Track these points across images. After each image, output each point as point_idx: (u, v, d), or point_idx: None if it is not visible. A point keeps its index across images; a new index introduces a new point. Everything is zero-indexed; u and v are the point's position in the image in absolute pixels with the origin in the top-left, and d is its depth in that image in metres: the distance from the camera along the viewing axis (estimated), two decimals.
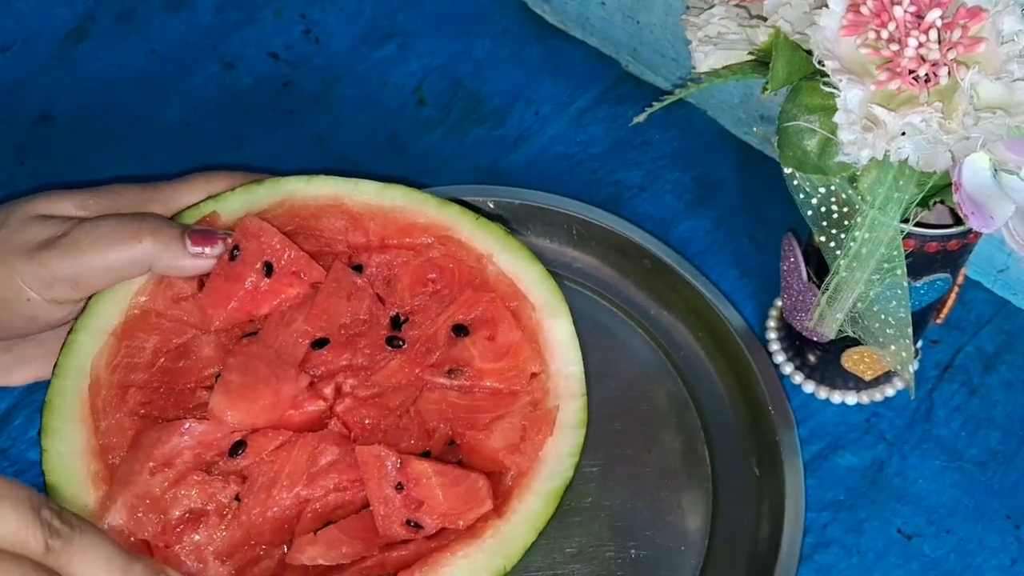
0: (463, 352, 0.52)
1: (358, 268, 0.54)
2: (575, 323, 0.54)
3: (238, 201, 0.54)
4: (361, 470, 0.48)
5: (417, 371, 0.52)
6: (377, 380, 0.51)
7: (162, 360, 0.51)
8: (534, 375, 0.53)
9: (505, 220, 0.62)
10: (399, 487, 0.48)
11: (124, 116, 0.71)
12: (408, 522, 0.48)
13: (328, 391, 0.51)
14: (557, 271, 0.60)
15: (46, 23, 0.75)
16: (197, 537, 0.47)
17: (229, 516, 0.48)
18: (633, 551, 0.54)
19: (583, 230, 0.62)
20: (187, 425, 0.48)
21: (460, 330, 0.53)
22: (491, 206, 0.62)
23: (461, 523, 0.48)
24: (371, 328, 0.53)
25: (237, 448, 0.48)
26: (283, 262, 0.52)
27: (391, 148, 0.69)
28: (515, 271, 0.55)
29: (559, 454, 0.51)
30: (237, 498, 0.48)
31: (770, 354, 0.59)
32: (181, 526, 0.47)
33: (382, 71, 0.73)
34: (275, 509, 0.48)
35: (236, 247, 0.52)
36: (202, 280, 0.52)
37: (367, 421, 0.51)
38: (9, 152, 0.69)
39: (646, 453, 0.57)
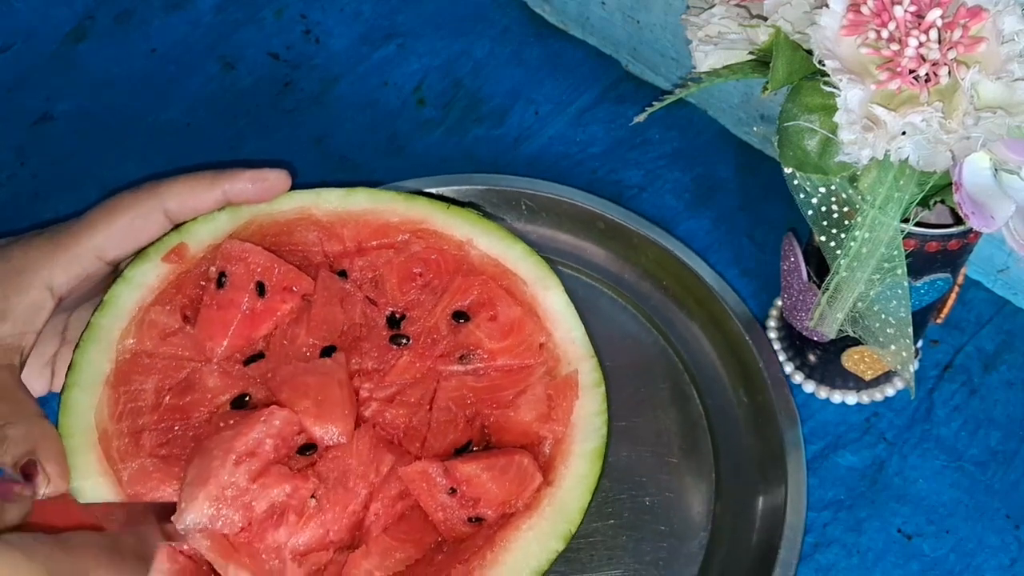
0: (470, 337, 0.52)
1: (342, 274, 0.54)
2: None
3: (203, 229, 0.53)
4: (410, 489, 0.48)
5: (428, 363, 0.52)
6: (391, 380, 0.51)
7: (167, 398, 0.50)
8: (541, 345, 0.53)
9: (476, 205, 0.62)
10: (452, 492, 0.48)
11: (124, 116, 0.71)
12: (470, 519, 0.48)
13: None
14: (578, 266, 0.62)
15: (46, 23, 0.75)
16: (279, 535, 0.46)
17: (307, 514, 0.47)
18: (647, 499, 0.55)
19: (532, 203, 0.64)
20: (269, 414, 0.47)
21: (461, 316, 0.53)
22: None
23: (520, 504, 0.49)
24: (370, 331, 0.53)
25: (307, 448, 0.48)
26: (274, 279, 0.52)
27: (391, 148, 0.69)
28: (498, 251, 0.55)
29: (588, 414, 0.51)
30: (312, 496, 0.48)
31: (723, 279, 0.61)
32: (265, 523, 0.46)
33: (382, 71, 0.73)
34: (353, 503, 0.48)
35: (222, 274, 0.51)
36: (186, 313, 0.52)
37: (401, 422, 0.50)
38: (9, 152, 0.69)
39: (638, 406, 0.58)
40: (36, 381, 0.52)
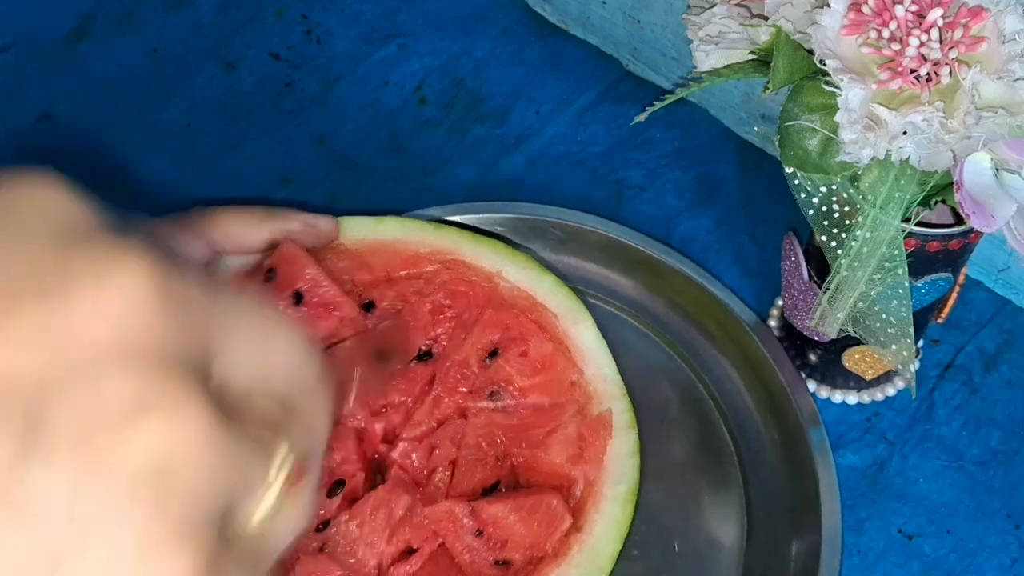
0: (500, 372, 0.51)
1: (370, 305, 0.53)
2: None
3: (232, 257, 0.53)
4: (436, 529, 0.47)
5: (458, 400, 0.51)
6: (420, 417, 0.50)
7: None
8: (573, 383, 0.52)
9: (502, 237, 0.61)
10: (479, 533, 0.47)
11: (125, 116, 0.71)
12: (497, 562, 0.47)
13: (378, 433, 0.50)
14: (598, 293, 0.60)
15: (46, 23, 0.75)
16: None
17: None
18: (676, 542, 0.54)
19: (561, 233, 0.62)
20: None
21: (491, 352, 0.52)
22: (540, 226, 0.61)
23: (548, 547, 0.47)
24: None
25: (336, 488, 0.48)
26: (314, 293, 0.51)
27: (392, 148, 0.69)
28: (528, 283, 0.54)
29: (620, 456, 0.50)
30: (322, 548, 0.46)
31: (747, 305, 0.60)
32: None
33: (383, 71, 0.73)
34: (362, 571, 0.46)
35: (271, 270, 0.51)
36: None
37: (428, 461, 0.49)
38: (9, 152, 0.69)
39: (667, 446, 0.56)
40: None
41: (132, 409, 0.21)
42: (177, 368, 0.22)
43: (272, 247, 0.52)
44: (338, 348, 0.51)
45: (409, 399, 0.51)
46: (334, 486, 0.48)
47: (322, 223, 0.53)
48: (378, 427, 0.50)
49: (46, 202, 0.23)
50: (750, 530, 0.54)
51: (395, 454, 0.50)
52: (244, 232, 0.51)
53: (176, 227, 0.49)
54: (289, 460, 0.25)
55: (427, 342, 0.53)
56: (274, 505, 0.25)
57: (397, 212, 0.58)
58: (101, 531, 0.20)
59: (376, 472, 0.50)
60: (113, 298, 0.21)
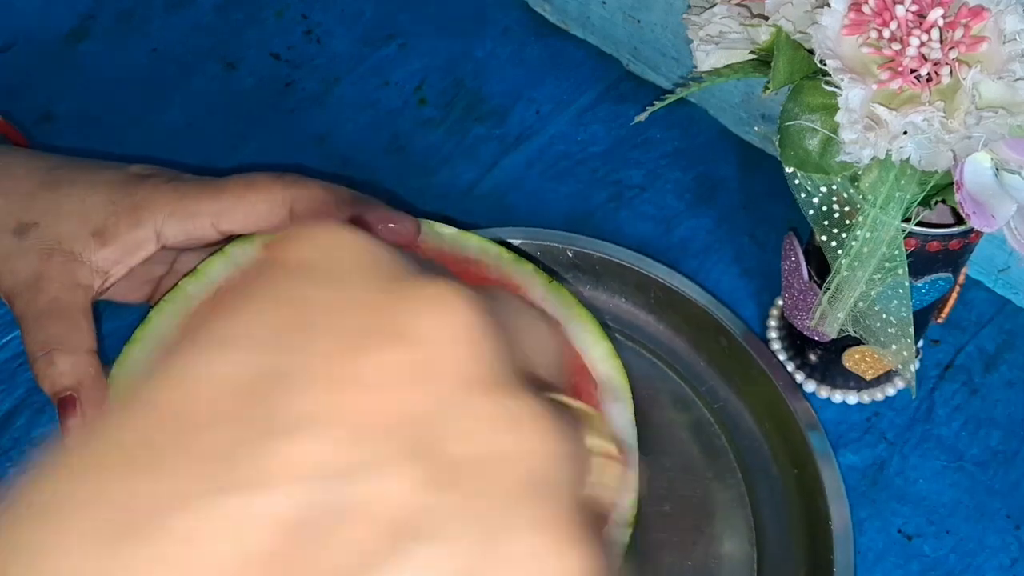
0: None
1: None
2: (635, 395, 0.51)
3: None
4: None
5: None
6: None
7: None
8: None
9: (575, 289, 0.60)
10: None
11: (125, 116, 0.71)
12: None
13: None
14: (624, 331, 0.59)
15: (46, 23, 0.75)
16: None
17: None
18: (686, 564, 0.52)
19: (662, 295, 0.60)
20: None
21: None
22: (570, 255, 0.60)
23: None
24: None
25: None
26: None
27: (392, 147, 0.69)
28: (581, 343, 0.52)
29: None
30: None
31: (771, 353, 0.59)
32: None
33: (383, 71, 0.73)
34: None
35: None
36: None
37: None
38: None
39: (692, 547, 0.54)
40: (137, 291, 0.54)
41: (504, 428, 0.22)
42: (518, 381, 0.23)
43: None
44: None
45: None
46: None
47: (401, 223, 0.53)
48: None
49: (357, 250, 0.25)
50: (760, 547, 0.54)
51: None
52: (324, 209, 0.52)
53: (251, 186, 0.51)
54: (597, 426, 0.27)
55: None
56: (609, 472, 0.26)
57: (471, 226, 0.57)
58: (511, 540, 0.21)
59: None
60: (458, 326, 0.23)
